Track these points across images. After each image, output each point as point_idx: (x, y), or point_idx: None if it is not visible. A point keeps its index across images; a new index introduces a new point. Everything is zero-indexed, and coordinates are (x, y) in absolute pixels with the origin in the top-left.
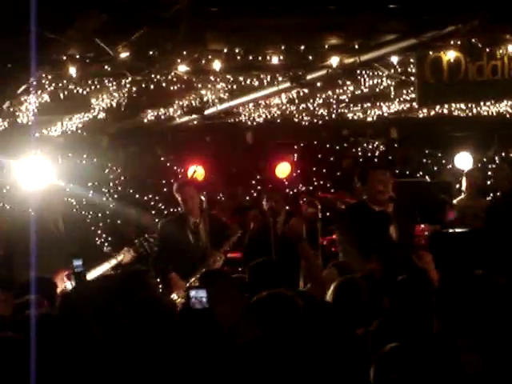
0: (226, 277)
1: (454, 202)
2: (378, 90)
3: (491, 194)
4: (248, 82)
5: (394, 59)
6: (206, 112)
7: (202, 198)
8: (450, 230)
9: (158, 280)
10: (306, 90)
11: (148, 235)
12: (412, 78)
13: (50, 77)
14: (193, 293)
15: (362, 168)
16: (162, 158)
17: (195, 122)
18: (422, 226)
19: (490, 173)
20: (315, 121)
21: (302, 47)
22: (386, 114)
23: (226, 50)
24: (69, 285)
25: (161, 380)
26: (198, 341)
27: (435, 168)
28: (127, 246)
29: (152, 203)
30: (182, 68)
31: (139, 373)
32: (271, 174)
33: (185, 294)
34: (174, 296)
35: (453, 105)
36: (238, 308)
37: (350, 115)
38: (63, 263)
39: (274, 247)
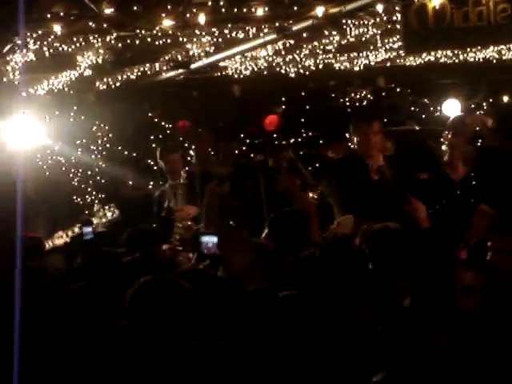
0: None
1: (443, 147)
2: (363, 39)
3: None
4: (233, 34)
5: (379, 8)
6: (193, 66)
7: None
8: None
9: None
10: (291, 41)
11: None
12: (398, 26)
13: (34, 35)
14: (204, 238)
15: (353, 120)
16: (150, 114)
17: (182, 77)
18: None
19: None
20: (302, 72)
21: None
22: (372, 63)
23: (210, 3)
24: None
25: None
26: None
27: (423, 116)
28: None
29: (140, 159)
30: (167, 22)
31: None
32: (260, 127)
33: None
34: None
35: (439, 52)
36: (248, 257)
37: (336, 65)
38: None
39: None
